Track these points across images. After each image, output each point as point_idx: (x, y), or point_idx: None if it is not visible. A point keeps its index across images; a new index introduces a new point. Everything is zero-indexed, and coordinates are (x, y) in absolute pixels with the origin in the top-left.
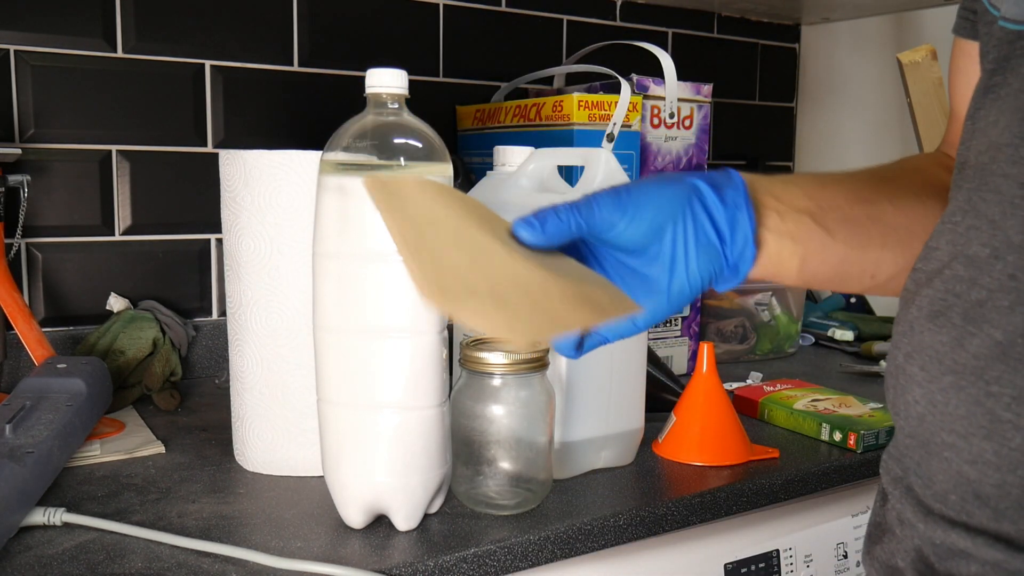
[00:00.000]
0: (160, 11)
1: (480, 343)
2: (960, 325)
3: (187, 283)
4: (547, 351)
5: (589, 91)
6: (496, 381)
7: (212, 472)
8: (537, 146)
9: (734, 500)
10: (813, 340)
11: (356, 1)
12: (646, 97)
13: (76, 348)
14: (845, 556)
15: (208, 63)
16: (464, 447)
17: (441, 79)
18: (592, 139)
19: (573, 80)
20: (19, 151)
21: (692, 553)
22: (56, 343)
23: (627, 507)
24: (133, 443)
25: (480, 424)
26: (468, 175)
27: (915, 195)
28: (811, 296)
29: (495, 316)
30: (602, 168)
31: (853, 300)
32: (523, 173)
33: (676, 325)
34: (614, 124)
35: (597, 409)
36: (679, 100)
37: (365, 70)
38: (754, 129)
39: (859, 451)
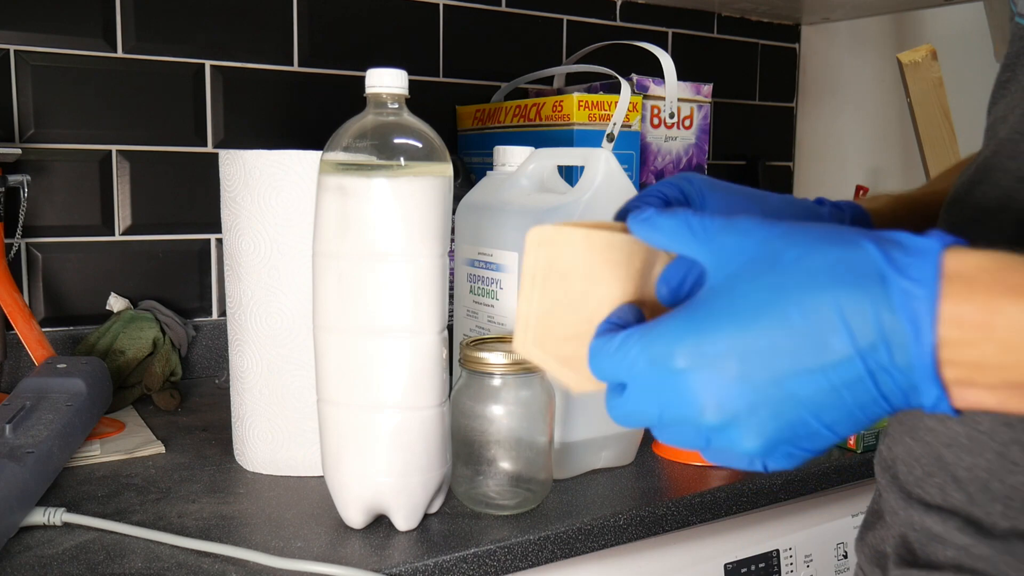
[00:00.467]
0: (160, 11)
1: (480, 343)
2: None
3: (187, 283)
4: None
5: (589, 91)
6: (496, 381)
7: (212, 472)
8: (537, 146)
9: (734, 500)
10: None
11: (356, 1)
12: (646, 97)
13: (76, 348)
14: (845, 556)
15: (208, 63)
16: (464, 447)
17: (441, 79)
18: (592, 139)
19: (573, 80)
20: (19, 151)
21: (692, 553)
22: (56, 343)
23: (627, 507)
24: (133, 443)
25: (480, 424)
26: (468, 175)
27: None
28: None
29: (561, 372)
30: (602, 168)
31: None
32: (523, 173)
33: None
34: (614, 124)
35: (597, 409)
36: (679, 100)
37: (365, 70)
38: (754, 129)
39: (859, 451)
